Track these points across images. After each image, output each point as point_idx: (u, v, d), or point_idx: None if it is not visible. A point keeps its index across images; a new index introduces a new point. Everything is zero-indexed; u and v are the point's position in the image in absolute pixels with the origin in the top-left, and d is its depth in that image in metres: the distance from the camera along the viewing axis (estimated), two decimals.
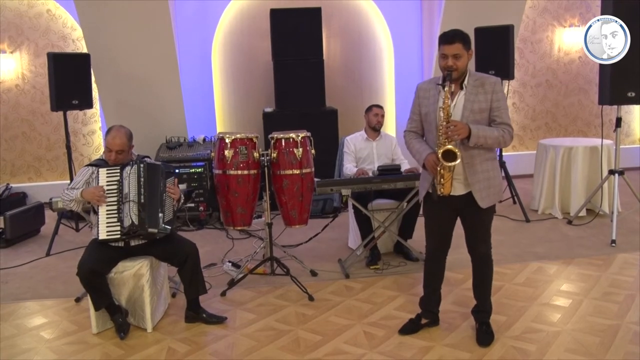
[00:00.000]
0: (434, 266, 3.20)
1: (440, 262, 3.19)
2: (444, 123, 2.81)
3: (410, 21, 6.91)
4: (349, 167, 4.58)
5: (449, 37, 2.85)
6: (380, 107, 4.73)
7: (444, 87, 2.82)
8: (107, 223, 3.25)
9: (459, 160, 2.79)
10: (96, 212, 3.31)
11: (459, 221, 3.10)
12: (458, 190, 2.94)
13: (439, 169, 2.85)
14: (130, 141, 3.39)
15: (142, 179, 3.29)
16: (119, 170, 3.31)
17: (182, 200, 3.50)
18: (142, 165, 3.32)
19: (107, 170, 3.32)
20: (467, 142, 2.83)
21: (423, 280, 3.25)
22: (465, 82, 2.91)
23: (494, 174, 2.97)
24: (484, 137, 2.84)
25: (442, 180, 2.86)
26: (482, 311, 3.14)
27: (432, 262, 3.20)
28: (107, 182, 3.30)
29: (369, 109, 4.73)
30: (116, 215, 3.27)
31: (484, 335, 3.07)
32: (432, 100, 2.95)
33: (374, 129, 4.67)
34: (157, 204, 3.32)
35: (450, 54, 2.83)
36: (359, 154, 4.68)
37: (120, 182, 3.29)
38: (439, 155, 2.81)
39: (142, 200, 3.27)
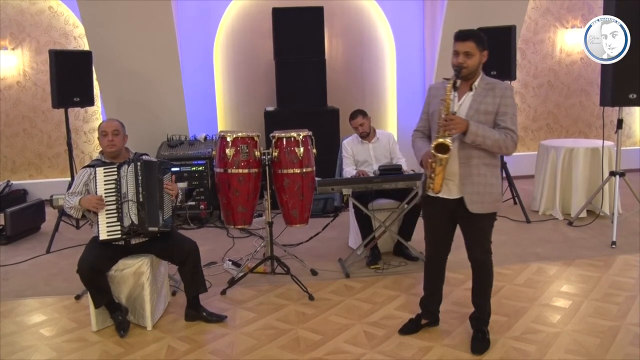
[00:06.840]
0: (433, 269, 3.18)
1: (440, 265, 3.17)
2: (443, 116, 2.77)
3: (412, 21, 6.90)
4: (348, 171, 4.56)
5: (463, 35, 2.82)
6: (361, 115, 4.55)
7: (453, 83, 2.77)
8: (107, 223, 3.26)
9: (449, 153, 2.73)
10: (96, 212, 3.31)
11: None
12: (453, 193, 2.89)
13: (430, 161, 2.80)
14: (123, 128, 3.44)
15: (140, 177, 3.30)
16: (116, 169, 3.32)
17: (179, 197, 3.49)
18: (139, 164, 3.33)
19: (105, 169, 3.32)
20: (464, 137, 2.77)
21: (423, 282, 3.24)
22: (476, 83, 2.86)
23: (492, 181, 2.88)
24: (483, 136, 2.76)
25: (432, 174, 2.81)
26: (479, 319, 3.09)
27: (431, 266, 3.18)
28: (105, 181, 3.30)
29: (350, 120, 4.60)
30: (116, 215, 3.27)
31: (479, 343, 3.01)
32: (440, 99, 2.90)
33: (363, 136, 4.62)
34: (156, 202, 3.32)
35: (462, 51, 2.80)
36: (356, 157, 4.65)
37: (118, 182, 3.29)
38: (432, 147, 2.77)
39: (141, 199, 3.28)
